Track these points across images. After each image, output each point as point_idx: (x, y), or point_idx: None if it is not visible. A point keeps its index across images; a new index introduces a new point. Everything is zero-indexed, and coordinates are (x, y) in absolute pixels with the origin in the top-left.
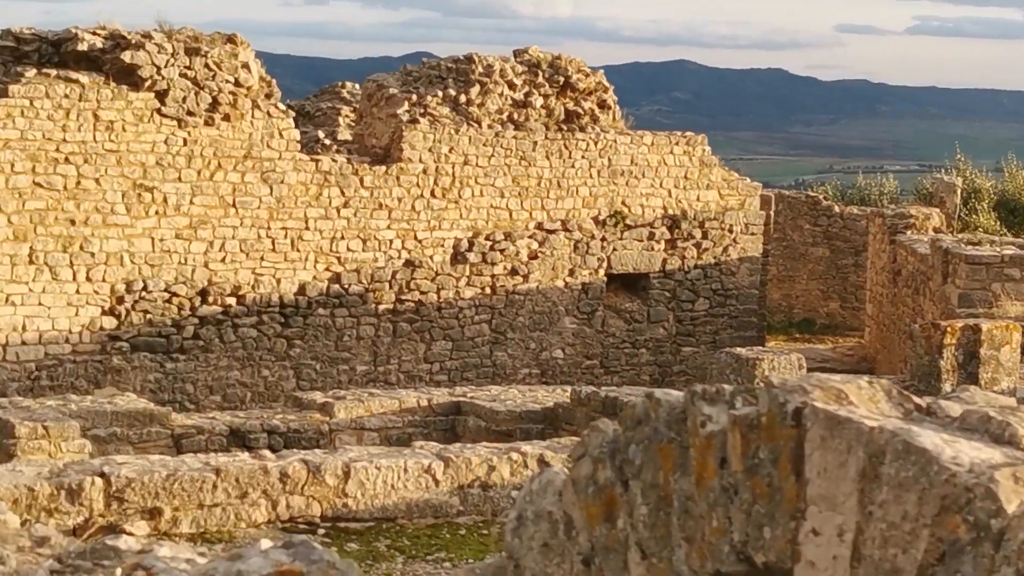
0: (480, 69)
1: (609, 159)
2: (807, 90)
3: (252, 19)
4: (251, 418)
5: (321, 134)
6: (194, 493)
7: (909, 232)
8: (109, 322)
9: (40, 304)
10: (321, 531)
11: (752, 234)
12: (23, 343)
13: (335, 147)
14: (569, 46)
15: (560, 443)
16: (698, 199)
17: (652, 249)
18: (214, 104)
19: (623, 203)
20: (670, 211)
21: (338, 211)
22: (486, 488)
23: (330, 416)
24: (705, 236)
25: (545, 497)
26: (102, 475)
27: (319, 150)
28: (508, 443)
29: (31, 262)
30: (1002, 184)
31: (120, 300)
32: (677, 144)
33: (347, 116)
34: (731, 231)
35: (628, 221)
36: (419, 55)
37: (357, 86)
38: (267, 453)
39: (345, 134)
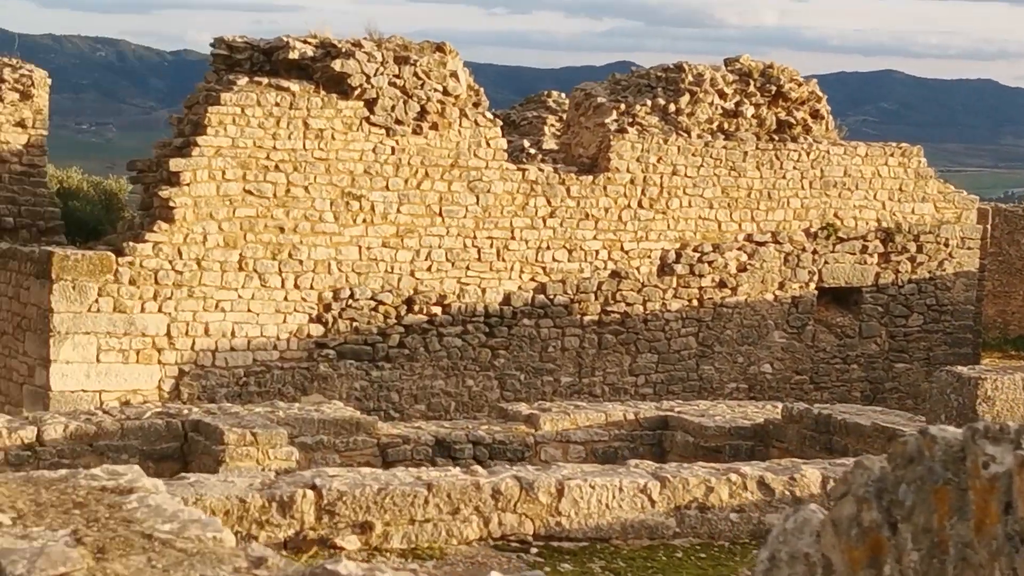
0: (690, 78)
1: (821, 170)
2: (1018, 101)
3: (457, 29)
4: (456, 428)
5: (526, 143)
6: (405, 508)
7: None
8: (316, 329)
9: (249, 311)
10: (534, 550)
11: (968, 248)
12: (232, 349)
13: (540, 156)
14: (774, 55)
15: (780, 465)
16: (913, 212)
17: (865, 263)
18: (422, 113)
19: (835, 215)
20: (884, 224)
21: (544, 221)
22: (704, 510)
23: (535, 428)
24: (920, 250)
25: (801, 538)
26: (313, 487)
27: (524, 159)
28: (724, 463)
29: (240, 269)
30: None
31: (327, 308)
32: (892, 155)
33: (552, 125)
34: (947, 245)
35: (840, 234)
36: (622, 64)
37: (563, 95)
38: (479, 469)
39: (550, 143)
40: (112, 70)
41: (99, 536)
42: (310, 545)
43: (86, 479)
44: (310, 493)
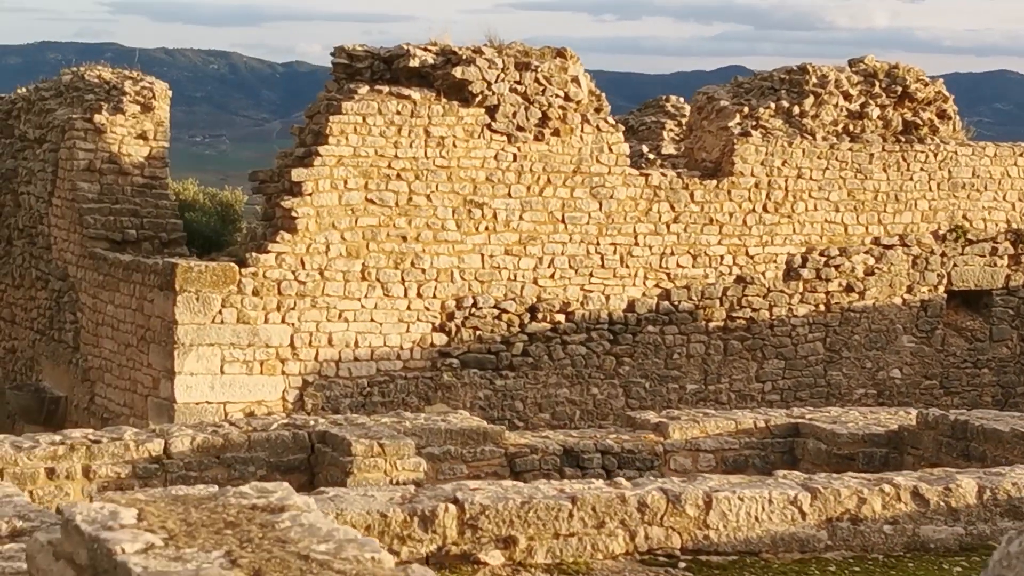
0: (814, 80)
1: (949, 171)
2: None
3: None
4: (584, 438)
5: (645, 148)
6: (549, 522)
7: None
8: (439, 338)
9: (372, 320)
10: (682, 564)
11: None
12: (355, 359)
13: (659, 161)
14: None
15: (933, 474)
16: None
17: (995, 265)
18: (544, 119)
19: (964, 217)
20: (1014, 225)
21: (668, 226)
22: (856, 522)
23: (664, 436)
24: None
25: None
26: (455, 501)
27: (643, 165)
28: (872, 473)
29: (363, 278)
30: None
31: (450, 316)
32: (1022, 155)
33: (671, 130)
34: None
35: (969, 236)
36: (732, 69)
37: (681, 99)
38: (622, 481)
39: (669, 148)
40: (224, 82)
41: (254, 557)
42: (453, 561)
43: (236, 497)
44: (452, 507)
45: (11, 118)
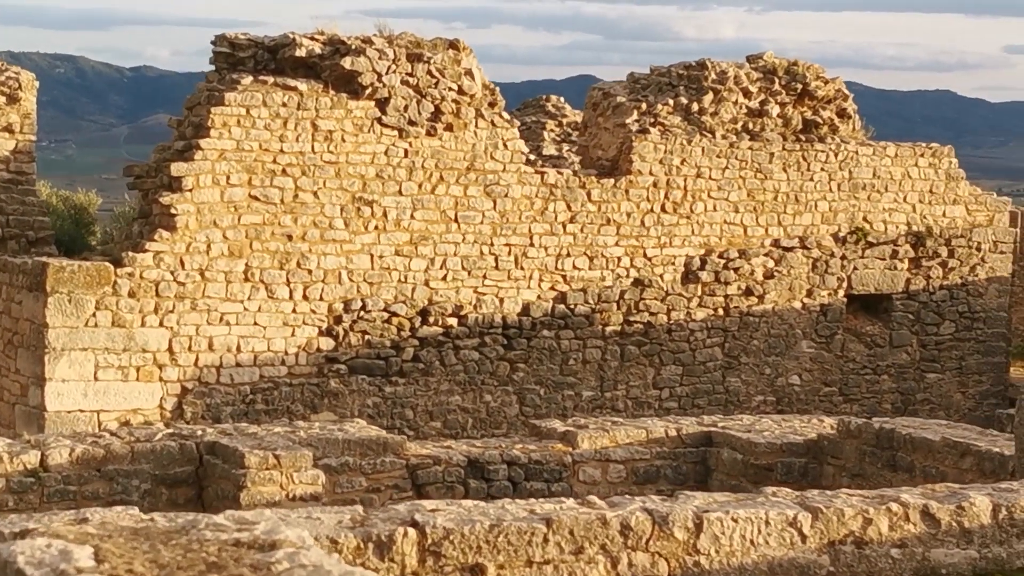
0: (713, 76)
1: (850, 172)
2: (976, 112)
3: None
4: (489, 448)
5: (525, 149)
6: (522, 548)
7: None
8: (326, 343)
9: (255, 324)
10: None
11: (1001, 252)
12: (237, 365)
13: (540, 163)
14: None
15: (934, 491)
16: (944, 215)
17: (895, 268)
18: (436, 113)
19: (864, 219)
20: (914, 228)
21: (564, 227)
22: (861, 545)
23: (572, 447)
24: (951, 255)
25: None
26: (414, 524)
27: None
28: (794, 486)
29: (246, 279)
30: None
31: (338, 320)
32: (922, 156)
33: (552, 130)
34: (979, 249)
35: (870, 238)
36: (583, 78)
37: (562, 99)
38: (596, 500)
39: (550, 148)
40: (71, 87)
41: None
42: None
43: (211, 530)
44: (412, 531)
45: None
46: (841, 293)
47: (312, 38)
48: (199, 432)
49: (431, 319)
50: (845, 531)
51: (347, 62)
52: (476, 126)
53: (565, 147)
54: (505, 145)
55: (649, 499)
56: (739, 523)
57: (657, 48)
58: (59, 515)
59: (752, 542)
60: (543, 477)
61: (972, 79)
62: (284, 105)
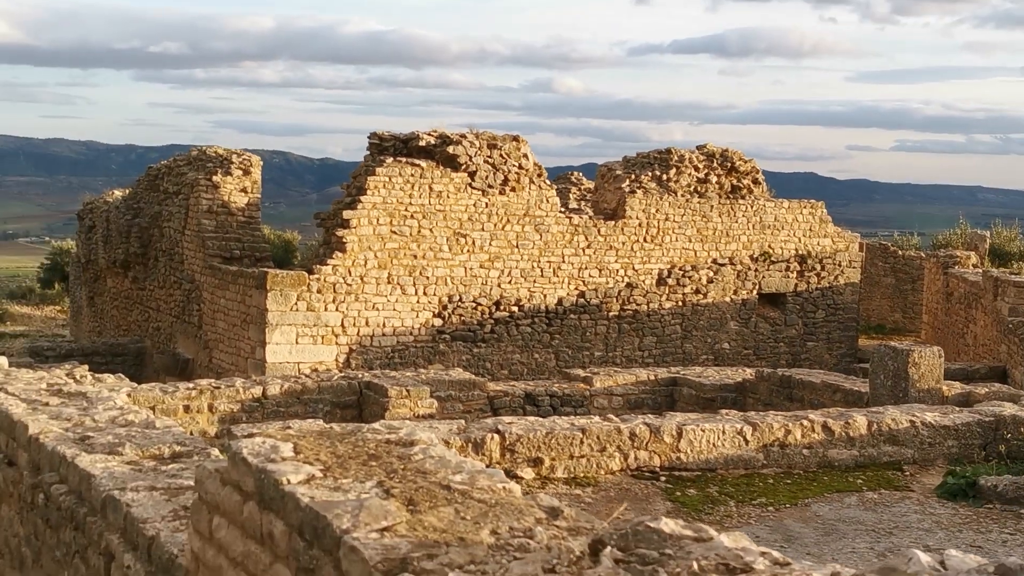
0: (675, 158)
1: (760, 217)
2: (831, 186)
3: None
4: (538, 386)
5: (559, 203)
6: (566, 447)
7: (957, 267)
8: (437, 322)
9: (394, 310)
10: (663, 478)
11: (853, 267)
12: (383, 335)
13: (568, 212)
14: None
15: (836, 411)
16: (818, 244)
17: (788, 277)
18: (505, 180)
19: (769, 246)
20: (800, 251)
21: (583, 251)
22: (784, 447)
23: (590, 386)
24: (823, 268)
25: None
26: (497, 432)
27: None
28: (800, 411)
29: (388, 282)
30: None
31: (444, 307)
32: (805, 208)
33: (574, 193)
34: (839, 265)
35: (772, 258)
36: (590, 163)
37: (580, 175)
38: (613, 417)
39: (573, 204)
40: (282, 170)
41: (404, 488)
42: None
43: (371, 433)
44: (496, 436)
45: (158, 179)
46: (755, 292)
47: (429, 134)
48: (359, 375)
49: (502, 307)
50: (773, 437)
51: (451, 149)
52: (529, 189)
53: (582, 203)
54: (547, 201)
55: (647, 417)
56: (706, 432)
57: (635, 147)
58: (272, 424)
59: (714, 444)
60: (571, 404)
61: (826, 166)
62: (412, 175)
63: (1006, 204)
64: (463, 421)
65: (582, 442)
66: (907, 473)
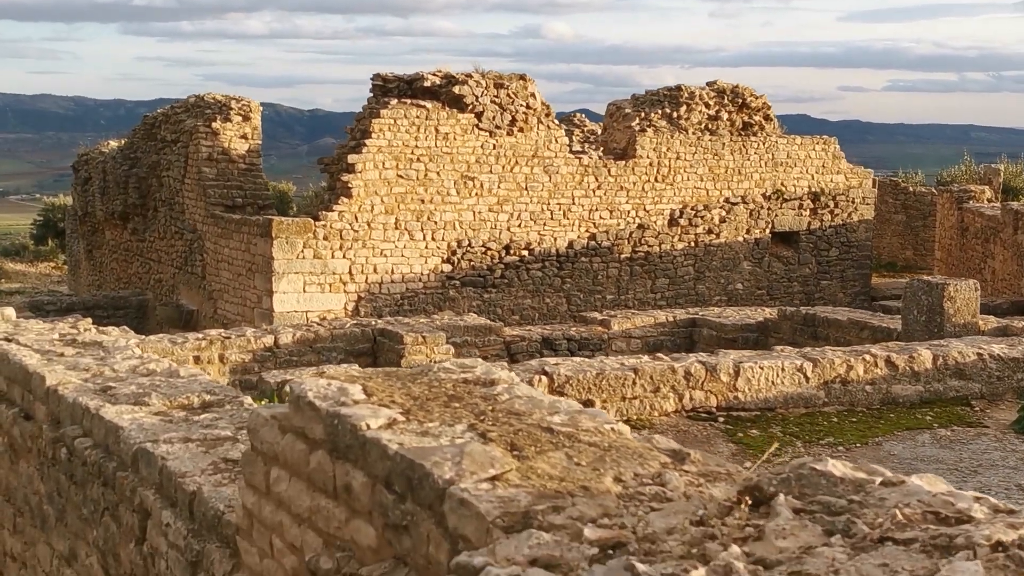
0: (686, 95)
1: (772, 154)
2: (823, 128)
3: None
4: (555, 330)
5: (568, 143)
6: (618, 388)
7: (972, 202)
8: (446, 267)
9: (403, 256)
10: (720, 418)
11: (867, 204)
12: (392, 281)
13: (576, 154)
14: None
15: (899, 345)
16: (831, 181)
17: (801, 215)
18: (513, 121)
19: (781, 184)
20: (813, 189)
21: (594, 192)
22: (845, 383)
23: (608, 328)
24: (836, 206)
25: None
26: (545, 373)
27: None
28: (861, 346)
29: (396, 228)
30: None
31: (453, 253)
32: (817, 144)
33: (578, 135)
34: (853, 202)
35: (785, 196)
36: (581, 110)
37: (584, 117)
38: (663, 356)
39: (576, 146)
40: (272, 122)
41: (501, 431)
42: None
43: (444, 372)
44: (544, 378)
45: (154, 127)
46: (768, 231)
47: (434, 74)
48: (373, 322)
49: (512, 251)
50: (835, 374)
51: (457, 89)
52: (537, 129)
53: (586, 145)
54: (556, 141)
55: (700, 355)
56: (764, 369)
57: (624, 91)
58: (304, 370)
59: (772, 382)
60: (589, 347)
61: (818, 107)
62: (417, 117)
63: (999, 143)
64: (506, 363)
65: (634, 383)
66: (976, 408)
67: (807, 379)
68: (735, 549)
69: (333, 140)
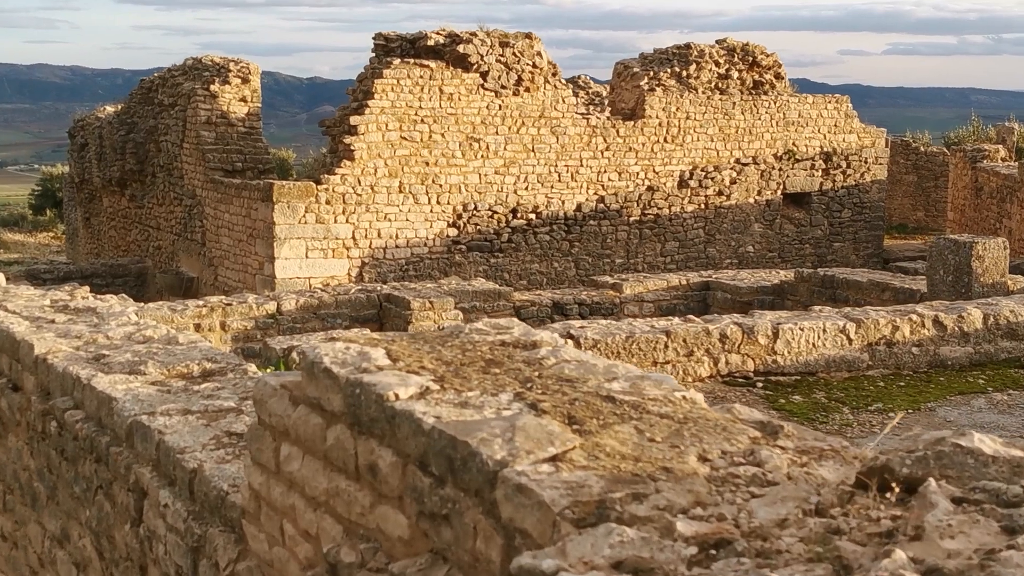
0: (695, 53)
1: (784, 114)
2: (824, 92)
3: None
4: (566, 295)
5: (576, 103)
6: (649, 352)
7: (986, 161)
8: (452, 232)
9: (407, 220)
10: (759, 384)
11: (880, 164)
12: (396, 247)
13: (584, 115)
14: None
15: (946, 304)
16: (844, 140)
17: (813, 176)
18: (519, 80)
19: (793, 144)
20: (825, 149)
21: (602, 153)
22: (890, 345)
23: (619, 293)
24: (849, 166)
25: None
26: (570, 336)
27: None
28: (905, 306)
29: (400, 191)
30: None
31: (459, 216)
32: (829, 103)
33: (583, 97)
34: (866, 162)
35: (796, 156)
36: (579, 74)
37: (589, 78)
38: (694, 318)
39: (582, 108)
40: (270, 90)
41: (553, 400)
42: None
43: (477, 333)
44: (569, 342)
45: (152, 91)
46: (779, 192)
47: (438, 33)
48: (379, 287)
49: (519, 215)
50: (879, 335)
51: (460, 48)
52: (544, 89)
53: (591, 108)
54: (563, 101)
55: (735, 316)
56: (804, 331)
57: (624, 56)
58: (313, 335)
59: (813, 344)
60: (601, 312)
61: (818, 71)
62: (421, 77)
63: (999, 105)
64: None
65: (667, 346)
66: None
67: (850, 341)
68: (900, 555)
69: (332, 108)
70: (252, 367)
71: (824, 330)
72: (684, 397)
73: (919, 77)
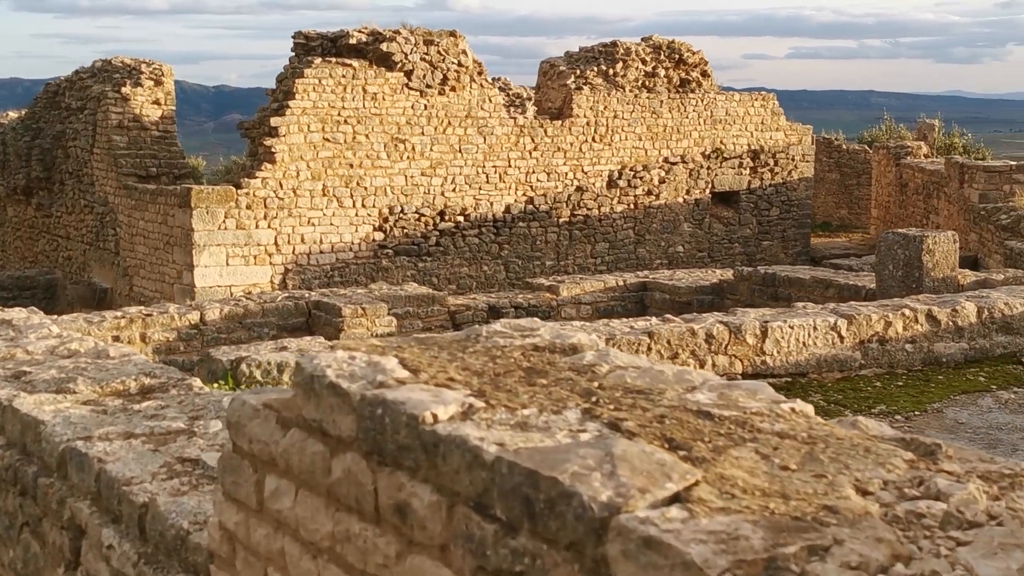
0: (621, 51)
1: (711, 112)
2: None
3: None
4: (502, 298)
5: (503, 102)
6: (631, 354)
7: (909, 157)
8: (378, 236)
9: (332, 224)
10: None
11: (807, 162)
12: (321, 252)
13: (511, 114)
14: None
15: (932, 299)
16: (771, 138)
17: (741, 174)
18: (444, 80)
19: (721, 142)
20: (753, 147)
21: (530, 153)
22: (883, 342)
23: (556, 295)
24: (776, 164)
25: None
26: None
27: None
28: (894, 300)
29: (324, 195)
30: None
31: (385, 220)
32: (756, 100)
33: (505, 96)
34: (793, 160)
35: (725, 155)
36: (493, 77)
37: (507, 79)
38: (675, 318)
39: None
40: (176, 99)
41: (636, 420)
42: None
43: (500, 337)
44: None
45: (58, 96)
46: (708, 191)
47: (360, 31)
48: (307, 294)
49: (446, 217)
50: (871, 332)
51: (384, 46)
52: (470, 88)
53: (512, 110)
54: (490, 100)
55: (718, 314)
56: (794, 329)
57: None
58: (258, 345)
59: (804, 343)
60: (538, 315)
61: (724, 76)
62: (343, 77)
63: (898, 107)
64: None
65: (650, 348)
66: None
67: (841, 339)
68: None
69: (240, 116)
70: (197, 382)
71: (815, 327)
72: (793, 410)
73: (821, 80)
